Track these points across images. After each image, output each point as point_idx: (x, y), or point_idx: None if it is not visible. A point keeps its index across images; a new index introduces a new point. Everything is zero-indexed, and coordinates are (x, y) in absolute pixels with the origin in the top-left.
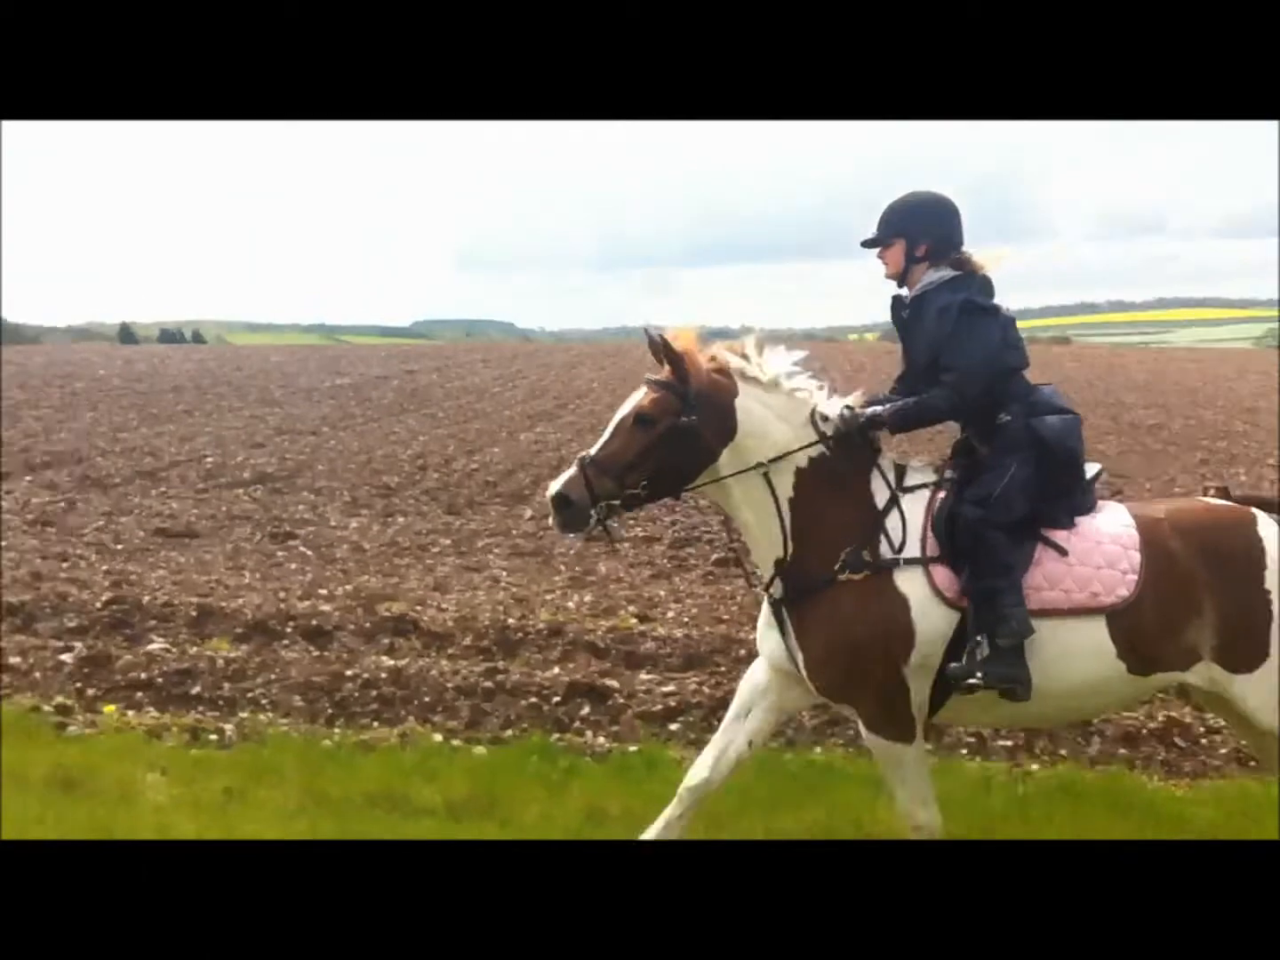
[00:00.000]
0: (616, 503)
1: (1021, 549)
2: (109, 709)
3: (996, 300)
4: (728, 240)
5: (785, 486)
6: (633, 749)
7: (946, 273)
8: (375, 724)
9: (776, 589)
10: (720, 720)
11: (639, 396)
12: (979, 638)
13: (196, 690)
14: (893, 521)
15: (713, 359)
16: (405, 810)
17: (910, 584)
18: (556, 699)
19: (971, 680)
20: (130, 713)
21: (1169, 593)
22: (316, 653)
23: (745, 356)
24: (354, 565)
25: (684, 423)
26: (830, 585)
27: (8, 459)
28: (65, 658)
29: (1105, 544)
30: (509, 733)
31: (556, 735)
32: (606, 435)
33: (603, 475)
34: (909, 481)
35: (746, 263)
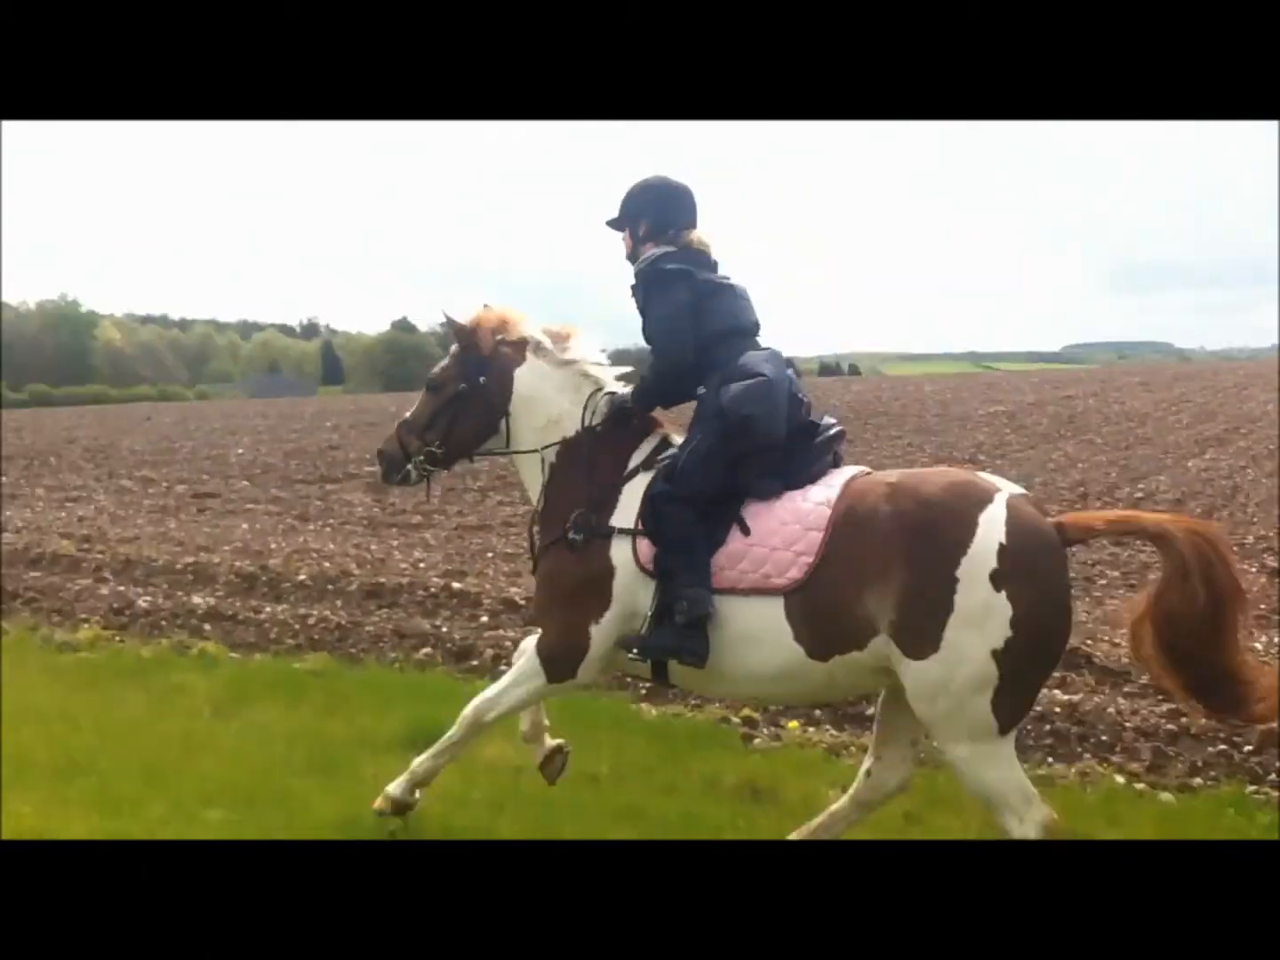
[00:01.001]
0: (421, 459)
1: (706, 526)
2: (792, 725)
3: (723, 273)
4: None
5: (549, 454)
6: None
7: (660, 250)
8: (1050, 760)
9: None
10: None
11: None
12: (648, 613)
13: (870, 711)
14: (628, 493)
15: (512, 334)
16: None
17: (620, 554)
18: (1249, 747)
19: (631, 653)
20: (810, 730)
21: (852, 564)
22: None
23: (564, 338)
24: None
25: (462, 388)
26: (560, 543)
27: None
28: None
29: (790, 523)
30: (1196, 780)
31: (1252, 788)
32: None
33: (409, 434)
34: (663, 456)
35: None
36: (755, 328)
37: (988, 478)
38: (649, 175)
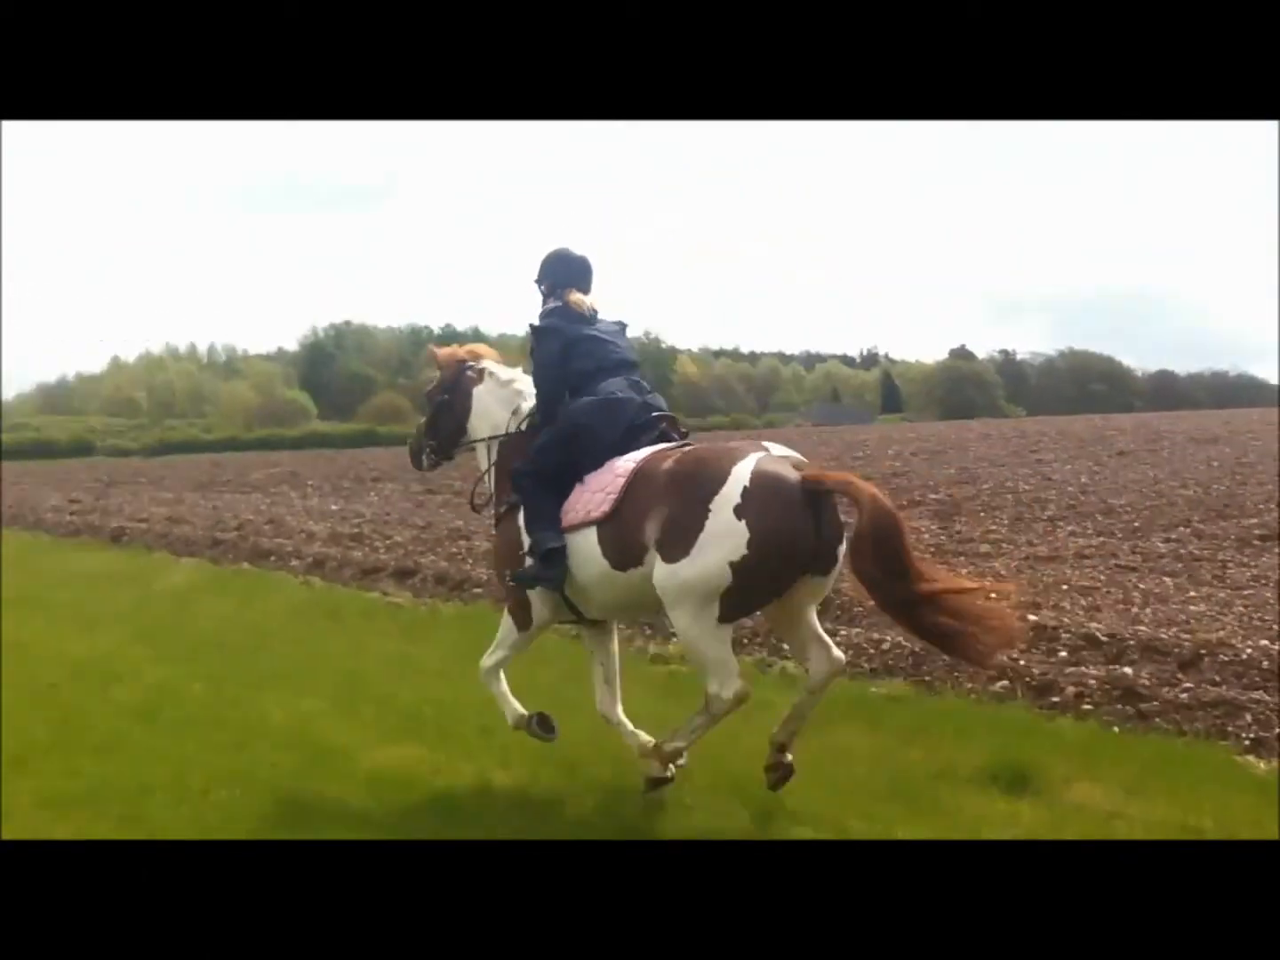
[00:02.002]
0: (429, 450)
1: (551, 491)
2: None
3: (597, 323)
4: None
5: (493, 452)
6: None
7: (552, 304)
8: None
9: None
10: None
11: None
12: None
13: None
14: None
15: (477, 364)
16: None
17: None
18: None
19: (508, 580)
20: None
21: (638, 503)
22: None
23: (511, 369)
24: None
25: (440, 400)
26: (503, 514)
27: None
28: None
29: (602, 474)
30: None
31: None
32: None
33: (420, 433)
34: None
35: None
36: (620, 365)
37: (765, 445)
38: (560, 246)
